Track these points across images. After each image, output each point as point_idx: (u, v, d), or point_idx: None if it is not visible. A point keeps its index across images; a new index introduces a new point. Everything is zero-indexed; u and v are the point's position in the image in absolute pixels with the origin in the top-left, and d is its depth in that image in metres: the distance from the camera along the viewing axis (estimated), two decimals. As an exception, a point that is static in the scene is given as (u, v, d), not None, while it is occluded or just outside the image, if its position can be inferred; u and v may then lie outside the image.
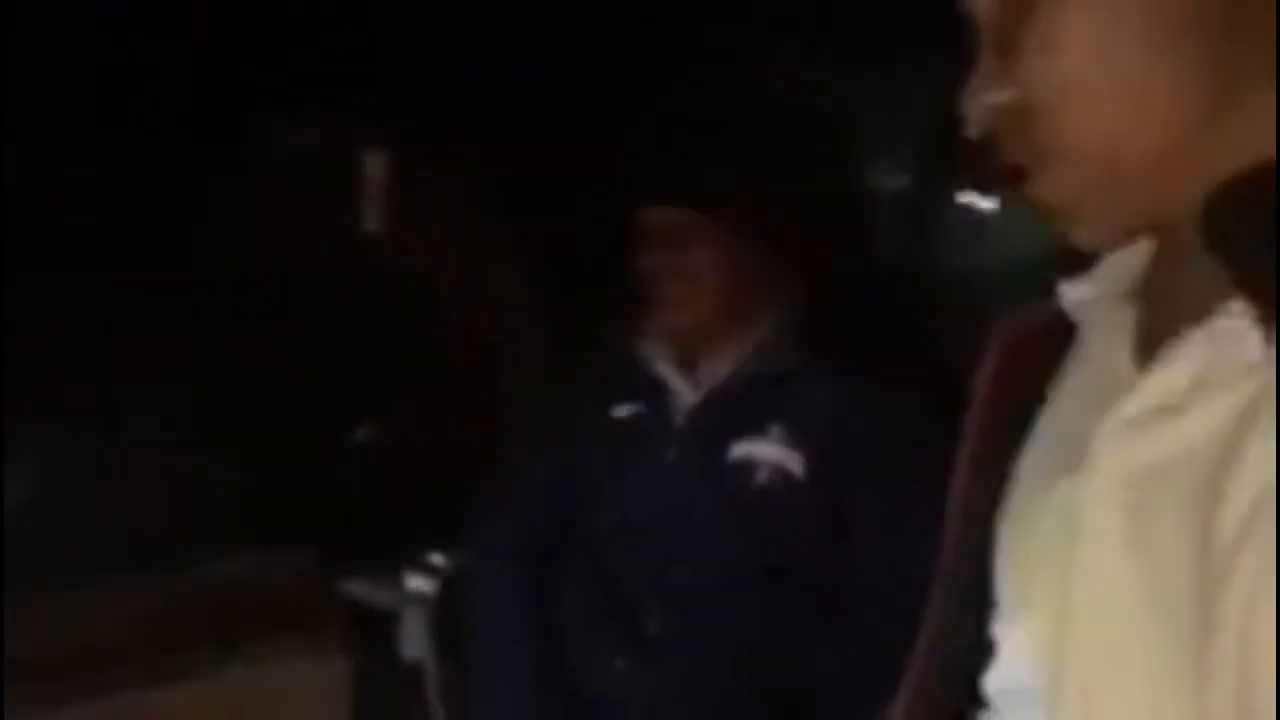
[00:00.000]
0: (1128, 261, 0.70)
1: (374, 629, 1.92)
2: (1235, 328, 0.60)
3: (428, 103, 2.18)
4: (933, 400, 1.64)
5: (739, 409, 1.58)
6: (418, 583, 1.78)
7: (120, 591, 1.98)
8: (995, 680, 0.71)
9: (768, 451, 1.55)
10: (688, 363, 1.62)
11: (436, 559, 1.79)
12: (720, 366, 1.61)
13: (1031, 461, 0.72)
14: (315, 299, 2.29)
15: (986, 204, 1.81)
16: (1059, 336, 0.72)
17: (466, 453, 2.10)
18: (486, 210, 2.16)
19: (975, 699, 0.72)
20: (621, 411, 1.63)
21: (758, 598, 1.56)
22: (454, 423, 2.20)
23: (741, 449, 1.56)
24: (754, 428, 1.56)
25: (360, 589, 1.90)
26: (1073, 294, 0.71)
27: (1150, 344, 0.65)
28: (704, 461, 1.58)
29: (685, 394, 1.61)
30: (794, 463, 1.54)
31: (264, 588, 2.07)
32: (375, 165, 2.24)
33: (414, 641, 1.82)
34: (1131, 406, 0.63)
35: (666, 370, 1.62)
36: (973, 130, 0.64)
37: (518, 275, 2.19)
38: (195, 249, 2.34)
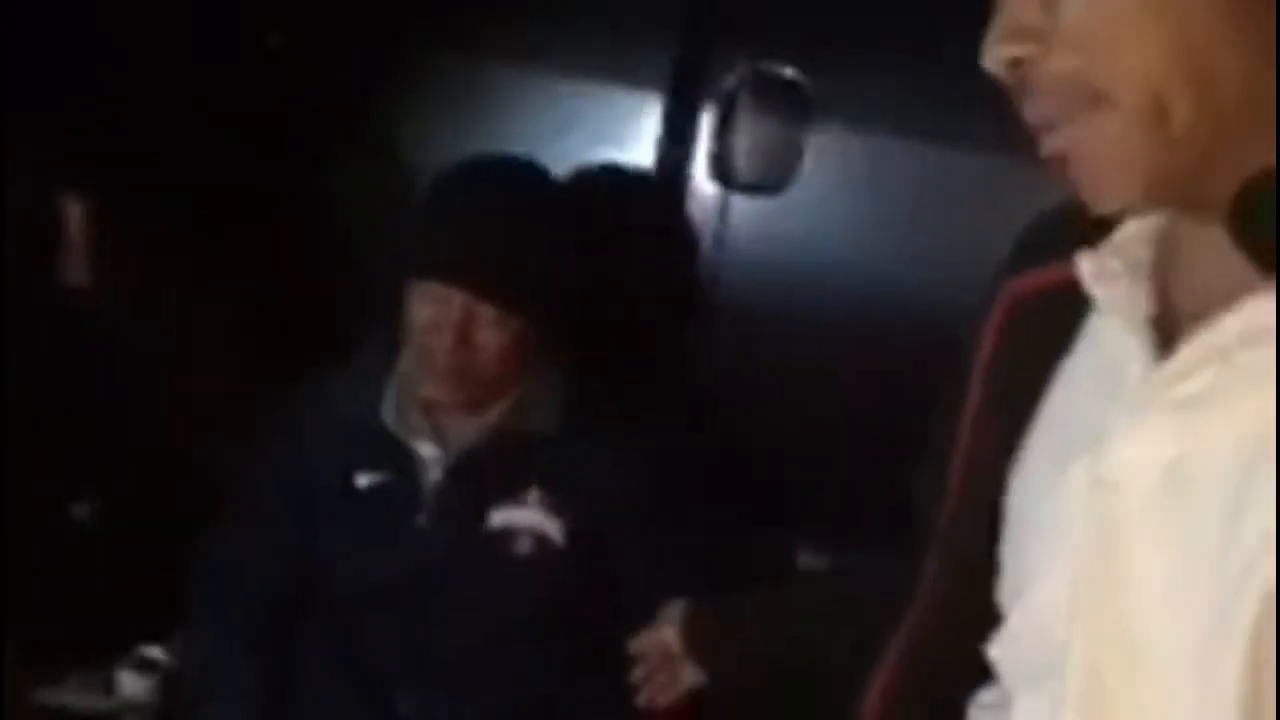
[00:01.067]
0: (1143, 236, 0.67)
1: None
2: (1254, 330, 0.59)
3: (129, 147, 1.99)
4: (696, 446, 1.60)
5: (494, 473, 1.51)
6: (133, 685, 1.61)
7: None
8: (1000, 649, 0.70)
9: (527, 518, 1.49)
10: (436, 427, 1.53)
11: (154, 653, 1.62)
12: (471, 427, 1.53)
13: (1043, 438, 0.70)
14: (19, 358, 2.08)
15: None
16: (1067, 302, 0.69)
17: (184, 531, 1.94)
18: (198, 264, 1.98)
19: (974, 667, 0.71)
20: (363, 479, 1.53)
21: (518, 671, 1.50)
22: (167, 497, 2.02)
23: (499, 516, 1.50)
24: (511, 493, 1.50)
25: (70, 696, 1.71)
26: (1088, 266, 0.67)
27: (1166, 328, 0.64)
28: (458, 529, 1.51)
29: (434, 460, 1.53)
30: (555, 530, 1.49)
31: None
32: (76, 214, 2.02)
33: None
34: (1148, 397, 0.62)
35: (413, 434, 1.53)
36: (998, 78, 0.62)
37: (233, 331, 2.02)
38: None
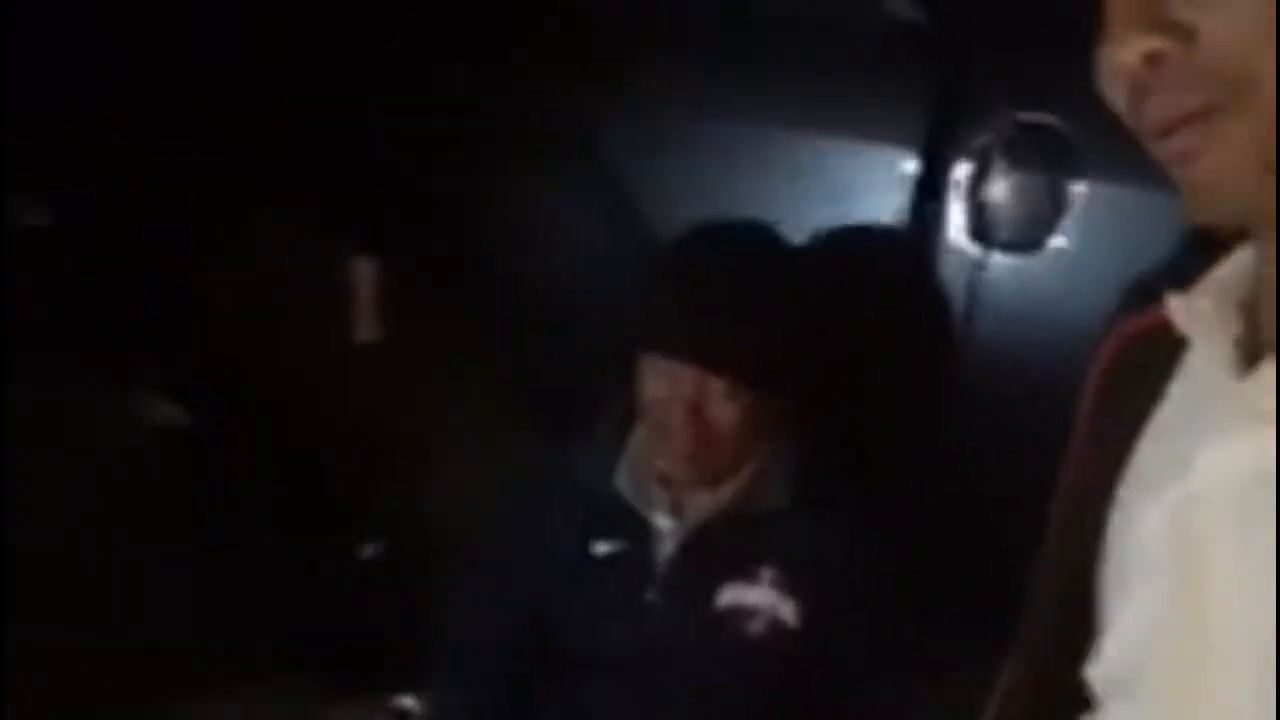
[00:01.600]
0: (1235, 274, 0.69)
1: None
2: None
3: (422, 204, 2.10)
4: (939, 530, 1.50)
5: (726, 550, 1.47)
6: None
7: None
8: (1095, 668, 0.72)
9: (759, 598, 1.45)
10: (672, 500, 1.51)
11: (408, 703, 1.67)
12: (705, 503, 1.49)
13: (1139, 471, 0.72)
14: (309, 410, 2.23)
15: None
16: (1166, 343, 0.71)
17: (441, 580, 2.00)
18: (473, 336, 2.06)
19: (1071, 703, 0.73)
20: (600, 548, 1.52)
21: None
22: (431, 549, 2.10)
23: (731, 594, 1.46)
24: (743, 571, 1.46)
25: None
26: (1177, 305, 0.70)
27: (1254, 356, 0.65)
28: (689, 605, 1.48)
29: (669, 532, 1.50)
30: (786, 610, 1.44)
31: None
32: (365, 274, 2.15)
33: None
34: (1232, 412, 0.64)
35: (649, 506, 1.51)
36: (1114, 90, 0.62)
37: (492, 395, 2.08)
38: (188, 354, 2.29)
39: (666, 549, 1.50)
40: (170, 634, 2.11)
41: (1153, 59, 0.60)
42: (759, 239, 1.49)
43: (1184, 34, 0.59)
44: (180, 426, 2.29)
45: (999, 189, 1.61)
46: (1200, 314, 0.68)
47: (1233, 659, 0.62)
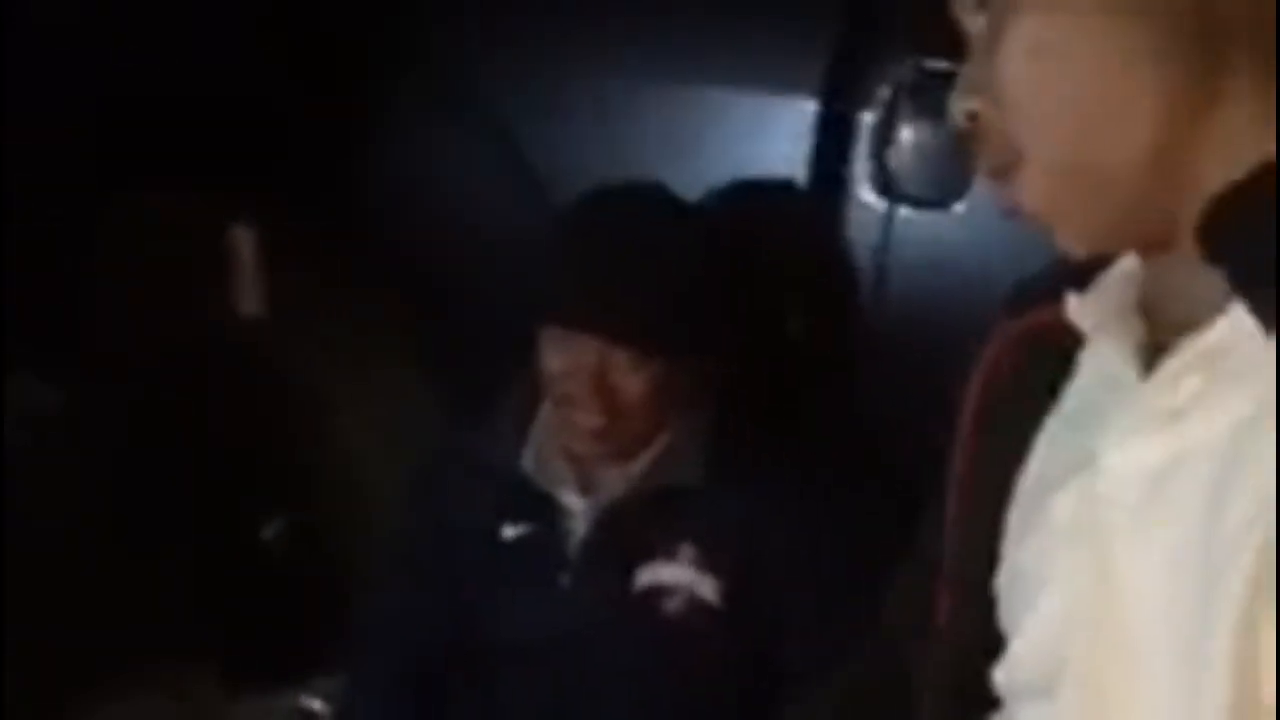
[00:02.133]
0: (1129, 275, 0.70)
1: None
2: (1236, 336, 0.61)
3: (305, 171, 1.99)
4: (857, 495, 1.46)
5: (641, 528, 1.42)
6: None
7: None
8: (1004, 672, 0.72)
9: (677, 575, 1.39)
10: (581, 477, 1.45)
11: (314, 704, 1.61)
12: (616, 480, 1.44)
13: (1038, 469, 0.72)
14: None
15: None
16: (1057, 342, 0.72)
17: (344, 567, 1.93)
18: (364, 308, 1.96)
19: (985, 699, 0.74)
20: (509, 531, 1.46)
21: None
22: (332, 535, 2.02)
23: (647, 574, 1.41)
24: (659, 549, 1.41)
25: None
26: (1075, 305, 0.70)
27: (1153, 351, 0.66)
28: (604, 588, 1.43)
29: (579, 512, 1.45)
30: (706, 588, 1.39)
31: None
32: (244, 242, 2.03)
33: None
34: (1136, 411, 0.64)
35: (558, 485, 1.45)
36: (957, 133, 0.67)
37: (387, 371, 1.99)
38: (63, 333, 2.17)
39: (578, 529, 1.45)
40: (59, 629, 2.02)
41: (971, 118, 0.66)
42: (656, 202, 1.42)
43: (983, 94, 0.65)
44: (57, 409, 2.18)
45: (906, 141, 1.55)
46: (1101, 314, 0.69)
47: (1148, 660, 0.62)
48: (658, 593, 1.40)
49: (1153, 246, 0.67)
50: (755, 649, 1.41)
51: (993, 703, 0.75)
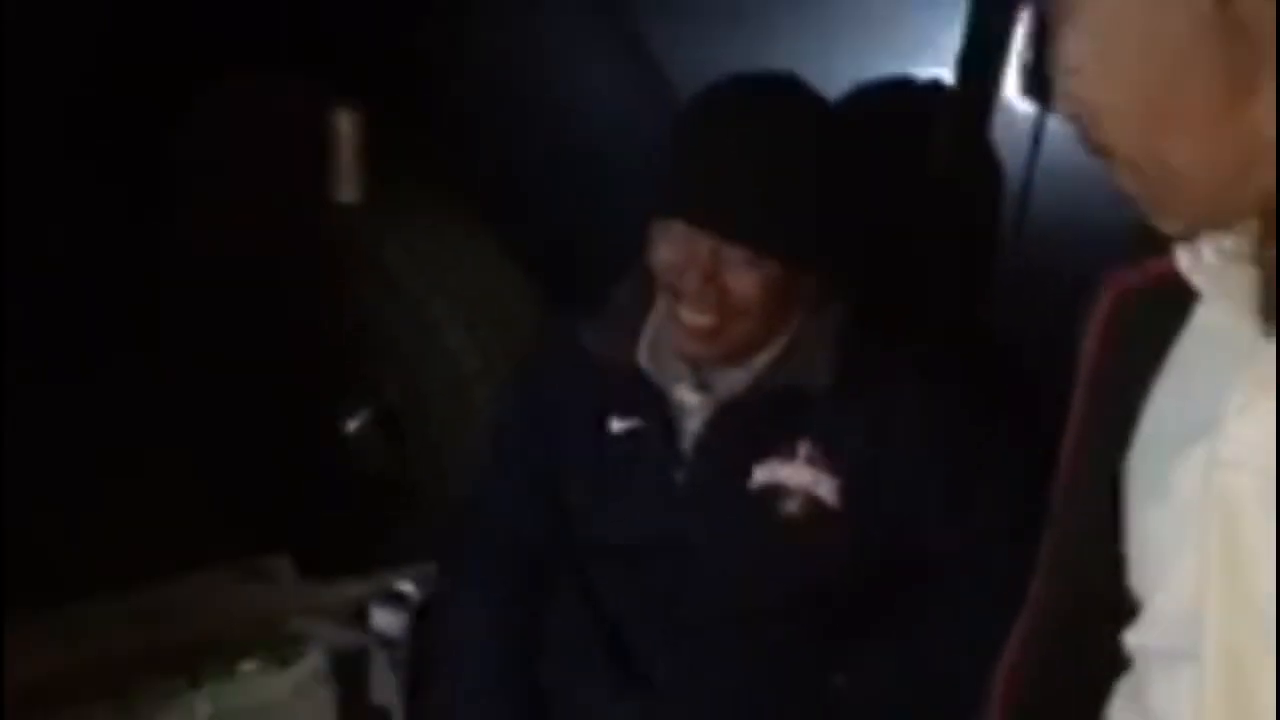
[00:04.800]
0: (1240, 227, 0.70)
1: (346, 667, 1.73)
2: None
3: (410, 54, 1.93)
4: (979, 401, 1.41)
5: (760, 426, 1.37)
6: (384, 619, 1.58)
7: (70, 618, 1.80)
8: (1138, 635, 0.73)
9: (796, 475, 1.34)
10: (697, 374, 1.40)
11: (406, 587, 1.58)
12: (737, 377, 1.39)
13: (1157, 427, 0.73)
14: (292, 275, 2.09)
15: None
16: (1170, 296, 0.73)
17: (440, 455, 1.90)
18: (469, 191, 1.90)
19: (1096, 651, 0.75)
20: (617, 425, 1.41)
21: (776, 640, 1.38)
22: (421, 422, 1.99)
23: (765, 472, 1.36)
24: (778, 448, 1.35)
25: (322, 630, 1.70)
26: (1187, 258, 0.71)
27: (1272, 309, 0.66)
28: (719, 485, 1.37)
29: (696, 409, 1.39)
30: (825, 487, 1.34)
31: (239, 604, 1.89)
32: (347, 126, 1.98)
33: (381, 687, 1.63)
34: (1258, 374, 0.65)
35: (672, 380, 1.40)
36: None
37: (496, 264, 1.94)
38: (158, 224, 2.14)
39: (693, 426, 1.39)
40: (157, 513, 2.02)
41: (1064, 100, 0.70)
42: (786, 95, 1.35)
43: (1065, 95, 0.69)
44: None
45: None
46: (1214, 269, 0.69)
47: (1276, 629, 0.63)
48: (775, 492, 1.35)
49: (1258, 220, 0.67)
50: (873, 547, 1.36)
51: (1101, 657, 0.76)
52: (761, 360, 1.37)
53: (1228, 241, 0.71)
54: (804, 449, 1.35)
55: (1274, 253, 0.68)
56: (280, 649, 1.80)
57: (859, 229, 1.38)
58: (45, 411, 2.04)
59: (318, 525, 2.06)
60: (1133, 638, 0.74)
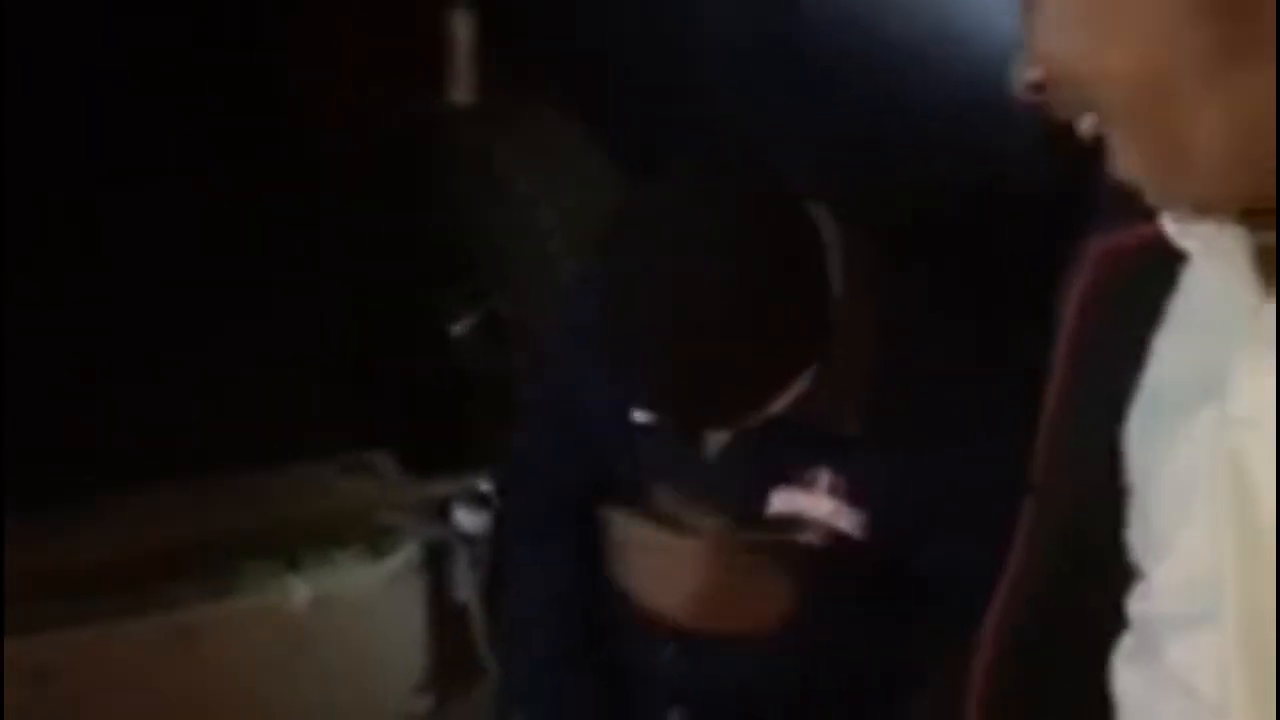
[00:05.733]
0: None
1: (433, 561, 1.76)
2: None
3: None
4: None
5: (779, 451, 1.22)
6: (466, 518, 1.60)
7: (175, 497, 1.87)
8: (1146, 602, 0.71)
9: (816, 506, 1.21)
10: None
11: (488, 488, 1.59)
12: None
13: (1157, 393, 0.71)
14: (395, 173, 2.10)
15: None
16: (1156, 260, 0.70)
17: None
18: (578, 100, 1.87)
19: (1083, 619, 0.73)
20: (640, 416, 1.27)
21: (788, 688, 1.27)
22: (525, 328, 1.98)
23: (783, 500, 1.23)
24: (797, 475, 1.22)
25: (400, 518, 1.74)
26: (1177, 225, 0.68)
27: (1270, 268, 0.64)
28: (736, 509, 1.23)
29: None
30: (846, 520, 1.21)
31: (336, 495, 1.94)
32: (463, 27, 1.98)
33: (462, 583, 1.65)
34: (1266, 334, 0.63)
35: None
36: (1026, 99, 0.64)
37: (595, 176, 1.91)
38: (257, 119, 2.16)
39: (711, 446, 1.26)
40: (268, 405, 2.07)
41: (1037, 89, 0.64)
42: (694, 240, 1.11)
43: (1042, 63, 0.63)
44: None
45: None
46: (1209, 233, 0.66)
47: None
48: (793, 523, 1.22)
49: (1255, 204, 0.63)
50: (896, 569, 1.22)
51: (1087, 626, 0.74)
52: (781, 400, 1.19)
53: None
54: (824, 477, 1.21)
55: (1269, 218, 0.64)
56: (376, 540, 1.85)
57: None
58: (164, 301, 2.10)
59: (421, 424, 2.09)
60: (1138, 605, 0.72)
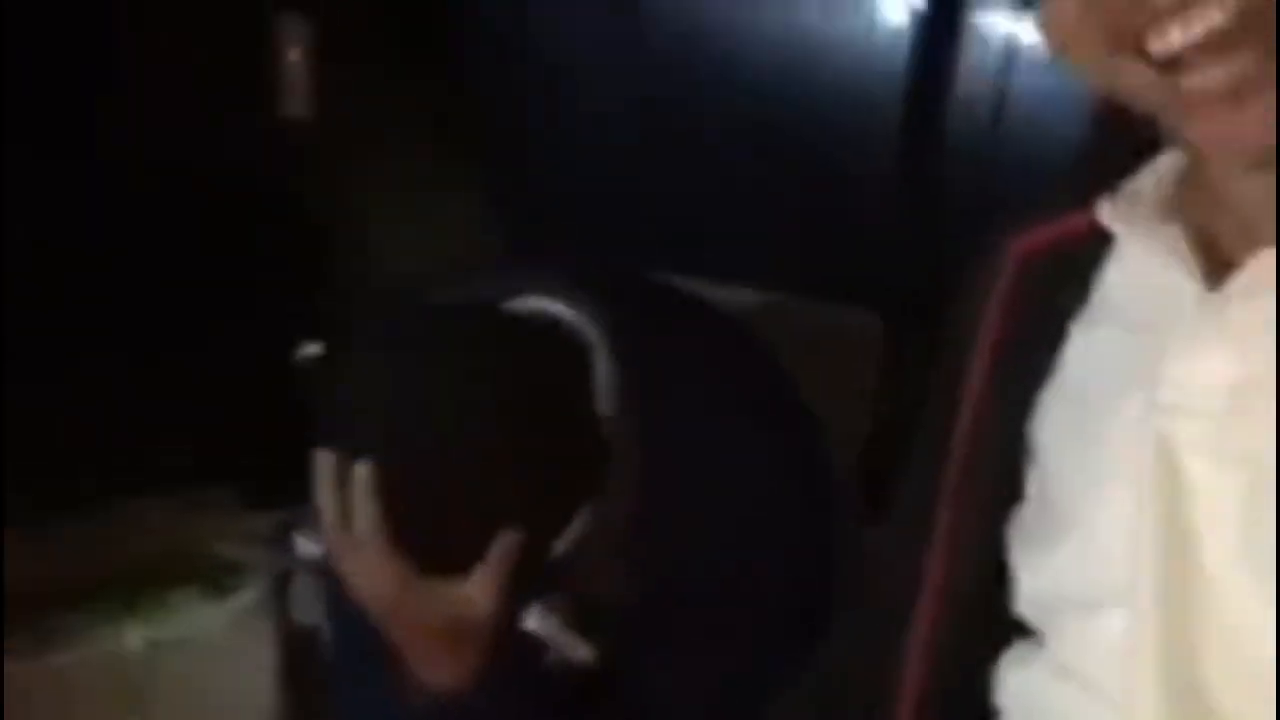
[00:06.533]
0: (1162, 179, 0.67)
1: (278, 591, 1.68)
2: None
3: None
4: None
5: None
6: (307, 545, 1.52)
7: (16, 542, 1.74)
8: (1044, 586, 0.69)
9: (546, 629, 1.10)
10: None
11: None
12: None
13: (1072, 387, 0.70)
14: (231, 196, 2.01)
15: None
16: (1080, 254, 0.70)
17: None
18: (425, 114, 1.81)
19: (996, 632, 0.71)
20: None
21: None
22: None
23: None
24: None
25: (242, 551, 1.65)
26: (1110, 209, 0.68)
27: (1208, 256, 0.64)
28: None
29: None
30: (578, 650, 1.10)
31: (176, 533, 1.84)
32: (295, 35, 1.90)
33: (309, 609, 1.58)
34: (1205, 323, 0.62)
35: None
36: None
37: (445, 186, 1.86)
38: (95, 140, 2.06)
39: None
40: (96, 437, 1.96)
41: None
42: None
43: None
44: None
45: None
46: (1139, 217, 0.66)
47: (1226, 583, 0.61)
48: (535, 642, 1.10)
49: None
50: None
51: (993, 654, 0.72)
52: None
53: (1150, 188, 0.67)
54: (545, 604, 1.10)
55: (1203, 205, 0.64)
56: (217, 577, 1.75)
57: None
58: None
59: (263, 456, 1.99)
60: (1036, 589, 0.70)
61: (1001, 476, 0.72)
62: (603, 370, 1.03)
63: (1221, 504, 0.61)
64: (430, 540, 1.02)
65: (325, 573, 1.50)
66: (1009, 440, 0.72)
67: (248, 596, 1.73)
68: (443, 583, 1.02)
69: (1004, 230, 0.75)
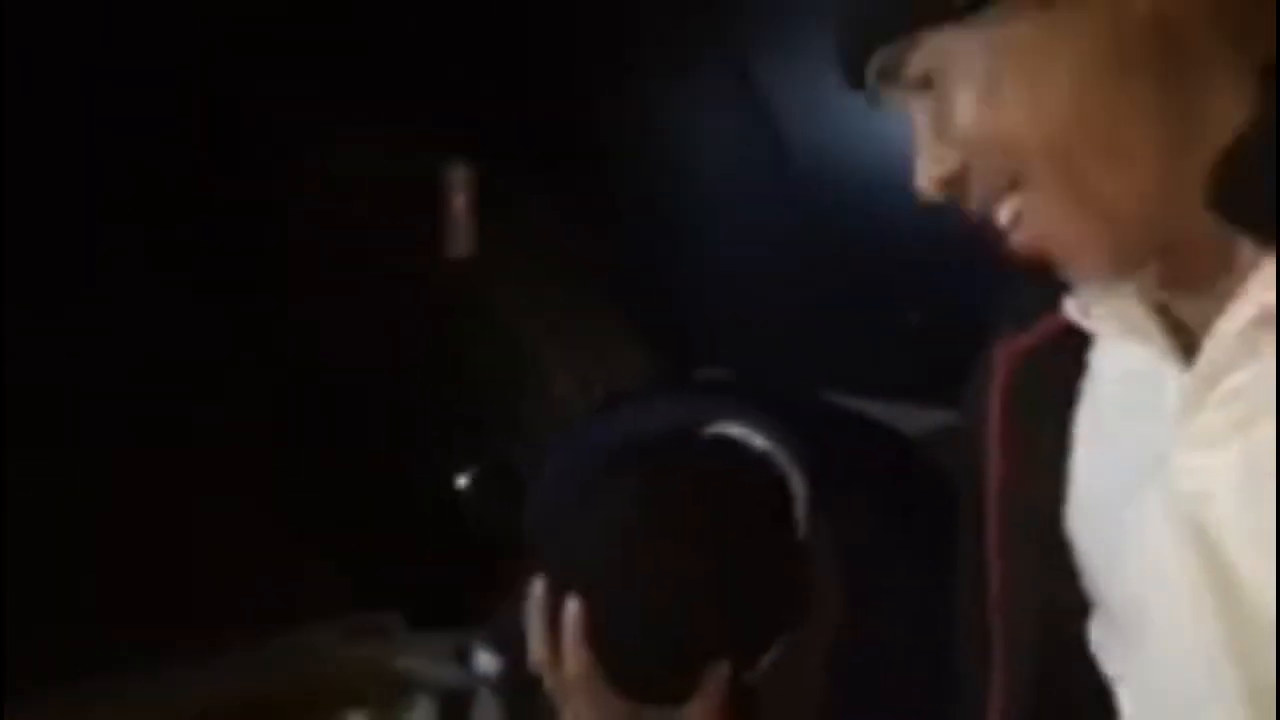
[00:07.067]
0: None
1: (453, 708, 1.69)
2: (1269, 301, 0.60)
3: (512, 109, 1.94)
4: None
5: None
6: (485, 660, 1.54)
7: (173, 674, 1.79)
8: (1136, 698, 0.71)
9: None
10: None
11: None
12: None
13: (1094, 479, 0.71)
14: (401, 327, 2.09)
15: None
16: (1064, 351, 0.72)
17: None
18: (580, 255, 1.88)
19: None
20: None
21: None
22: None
23: None
24: None
25: (422, 667, 1.67)
26: (1075, 306, 0.70)
27: (1182, 337, 0.66)
28: None
29: None
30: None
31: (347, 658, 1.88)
32: (459, 182, 2.01)
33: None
34: (1197, 398, 0.63)
35: None
36: (932, 199, 0.66)
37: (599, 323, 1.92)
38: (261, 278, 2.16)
39: None
40: (264, 563, 2.01)
41: (946, 185, 0.68)
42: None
43: (952, 155, 0.67)
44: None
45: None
46: (1105, 315, 0.68)
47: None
48: None
49: (1169, 255, 0.65)
50: None
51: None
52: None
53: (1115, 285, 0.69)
54: None
55: (1172, 292, 0.66)
56: (389, 698, 1.78)
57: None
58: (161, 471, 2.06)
59: (429, 581, 2.04)
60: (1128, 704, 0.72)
61: (1037, 569, 0.74)
62: (800, 497, 1.05)
63: (1263, 577, 0.62)
64: (644, 673, 1.02)
65: (505, 689, 1.53)
66: (1034, 528, 0.74)
67: (421, 715, 1.75)
68: (657, 713, 1.03)
69: (994, 334, 0.78)
